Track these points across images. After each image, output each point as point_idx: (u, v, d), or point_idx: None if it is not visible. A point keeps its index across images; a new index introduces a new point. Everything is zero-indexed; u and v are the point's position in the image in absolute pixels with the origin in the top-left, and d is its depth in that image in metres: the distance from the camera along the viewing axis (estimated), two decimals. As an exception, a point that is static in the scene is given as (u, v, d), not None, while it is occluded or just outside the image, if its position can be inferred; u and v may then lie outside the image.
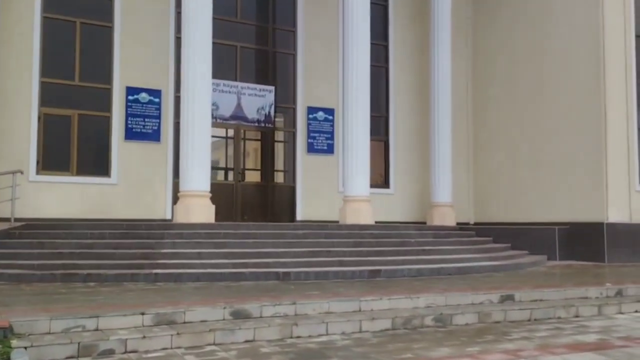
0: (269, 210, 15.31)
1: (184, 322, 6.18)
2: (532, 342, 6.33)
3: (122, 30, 13.85)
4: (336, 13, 15.99)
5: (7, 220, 11.24)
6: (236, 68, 15.23)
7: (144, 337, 5.65)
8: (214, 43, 13.19)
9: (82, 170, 13.40)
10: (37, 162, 12.94)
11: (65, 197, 13.04)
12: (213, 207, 11.92)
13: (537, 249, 14.09)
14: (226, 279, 9.02)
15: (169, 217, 13.68)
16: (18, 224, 10.74)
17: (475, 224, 17.03)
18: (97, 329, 5.79)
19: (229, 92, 14.93)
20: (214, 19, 12.50)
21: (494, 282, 9.63)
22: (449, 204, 15.97)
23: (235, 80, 15.12)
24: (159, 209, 13.82)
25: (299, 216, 15.47)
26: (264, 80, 15.57)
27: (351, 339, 6.35)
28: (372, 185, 15.12)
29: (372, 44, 14.49)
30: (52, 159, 13.18)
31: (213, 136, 14.95)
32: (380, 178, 16.87)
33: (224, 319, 6.40)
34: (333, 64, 16.09)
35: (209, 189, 12.02)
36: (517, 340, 6.49)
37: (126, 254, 9.63)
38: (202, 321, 6.26)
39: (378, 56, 16.71)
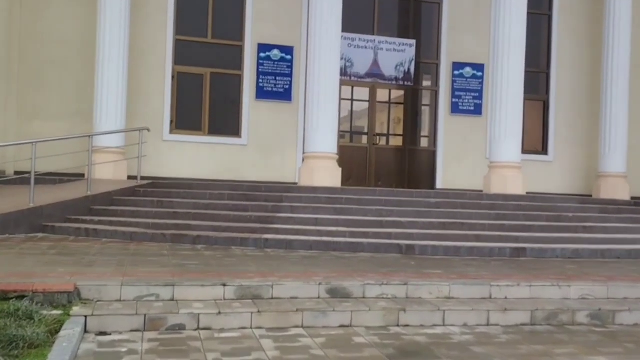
0: (406, 177, 14.04)
1: (271, 298, 5.30)
2: None
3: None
4: (489, -46, 14.00)
5: (141, 178, 11.23)
6: (373, 21, 13.98)
7: (220, 312, 4.85)
8: None
9: (213, 130, 13.15)
10: (171, 122, 12.91)
11: (197, 156, 12.89)
12: (339, 170, 10.97)
13: None
14: (341, 249, 8.03)
15: (298, 180, 13.00)
16: (144, 182, 10.65)
17: (656, 199, 14.33)
18: (172, 299, 5.10)
19: (365, 47, 13.76)
20: (350, -33, 11.39)
21: (678, 271, 7.60)
22: (622, 175, 13.53)
23: (372, 34, 13.89)
24: (289, 171, 13.19)
25: (439, 184, 14.03)
26: (404, 34, 14.15)
27: (473, 334, 5.05)
28: (527, 151, 13.24)
29: (532, -13, 12.50)
30: (185, 118, 13.07)
31: (358, 100, 13.96)
32: (537, 143, 14.76)
33: (318, 297, 5.41)
34: (483, 13, 14.17)
35: (335, 150, 11.08)
36: None
37: (241, 216, 9.04)
38: (292, 298, 5.33)
39: (539, 2, 14.48)
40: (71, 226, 8.78)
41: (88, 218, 9.12)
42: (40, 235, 8.59)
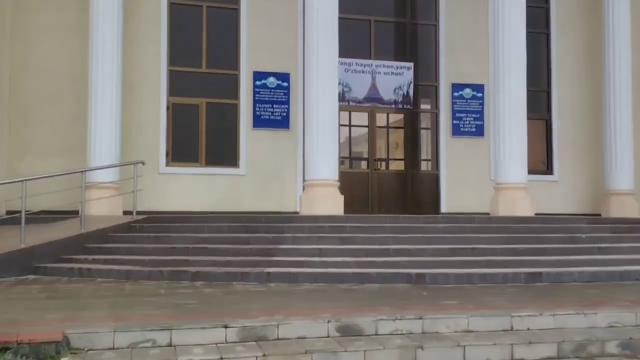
0: (409, 202, 13.68)
1: (277, 339, 4.90)
2: None
3: (249, 10, 13.05)
4: (484, -26, 13.92)
5: (137, 213, 10.84)
6: (370, 45, 13.80)
7: (222, 358, 4.46)
8: (345, 18, 12.19)
9: (210, 161, 12.84)
10: (167, 154, 12.60)
11: (194, 189, 12.54)
12: (341, 197, 10.64)
13: None
14: (348, 280, 7.63)
15: (299, 209, 12.64)
16: (140, 216, 10.27)
17: (666, 216, 13.97)
18: (169, 345, 4.70)
19: (362, 71, 13.54)
20: (345, -9, 11.28)
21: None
22: (629, 192, 13.23)
23: (369, 58, 13.69)
24: (289, 200, 12.83)
25: (444, 208, 13.69)
26: (401, 57, 13.96)
27: (498, 371, 4.64)
28: (531, 171, 12.89)
29: (529, 6, 12.30)
30: (181, 149, 12.76)
31: (357, 126, 13.69)
32: (541, 163, 14.46)
33: (327, 336, 5.02)
34: (481, 33, 14.03)
35: (336, 177, 10.77)
36: None
37: (241, 249, 8.66)
38: (299, 338, 4.93)
39: (536, 20, 14.31)
40: (64, 266, 8.39)
41: (82, 257, 8.74)
42: (31, 277, 8.19)
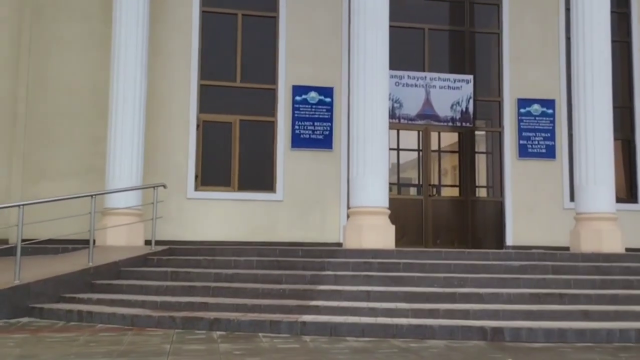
0: (469, 233, 11.93)
1: None
2: None
3: (288, 18, 11.75)
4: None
5: (161, 243, 9.53)
6: (424, 56, 12.27)
7: None
8: (396, 27, 10.89)
9: (244, 185, 11.45)
10: (196, 177, 11.31)
11: (225, 216, 11.18)
12: (392, 227, 9.07)
13: None
14: (404, 335, 6.02)
15: (342, 240, 11.10)
16: (160, 248, 8.93)
17: None
18: None
19: (415, 85, 12.02)
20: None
21: None
22: None
23: (423, 70, 12.17)
24: (331, 230, 11.30)
25: (509, 240, 11.88)
26: (459, 69, 12.37)
27: None
28: (612, 199, 11.07)
29: (606, 11, 10.62)
30: (211, 172, 11.46)
31: (406, 150, 12.23)
32: (622, 189, 12.51)
33: None
34: (550, 42, 12.41)
35: (386, 204, 9.21)
36: None
37: (272, 290, 7.16)
38: None
39: (614, 27, 12.46)
40: (63, 307, 7.08)
41: (86, 296, 7.41)
42: (24, 320, 6.91)
